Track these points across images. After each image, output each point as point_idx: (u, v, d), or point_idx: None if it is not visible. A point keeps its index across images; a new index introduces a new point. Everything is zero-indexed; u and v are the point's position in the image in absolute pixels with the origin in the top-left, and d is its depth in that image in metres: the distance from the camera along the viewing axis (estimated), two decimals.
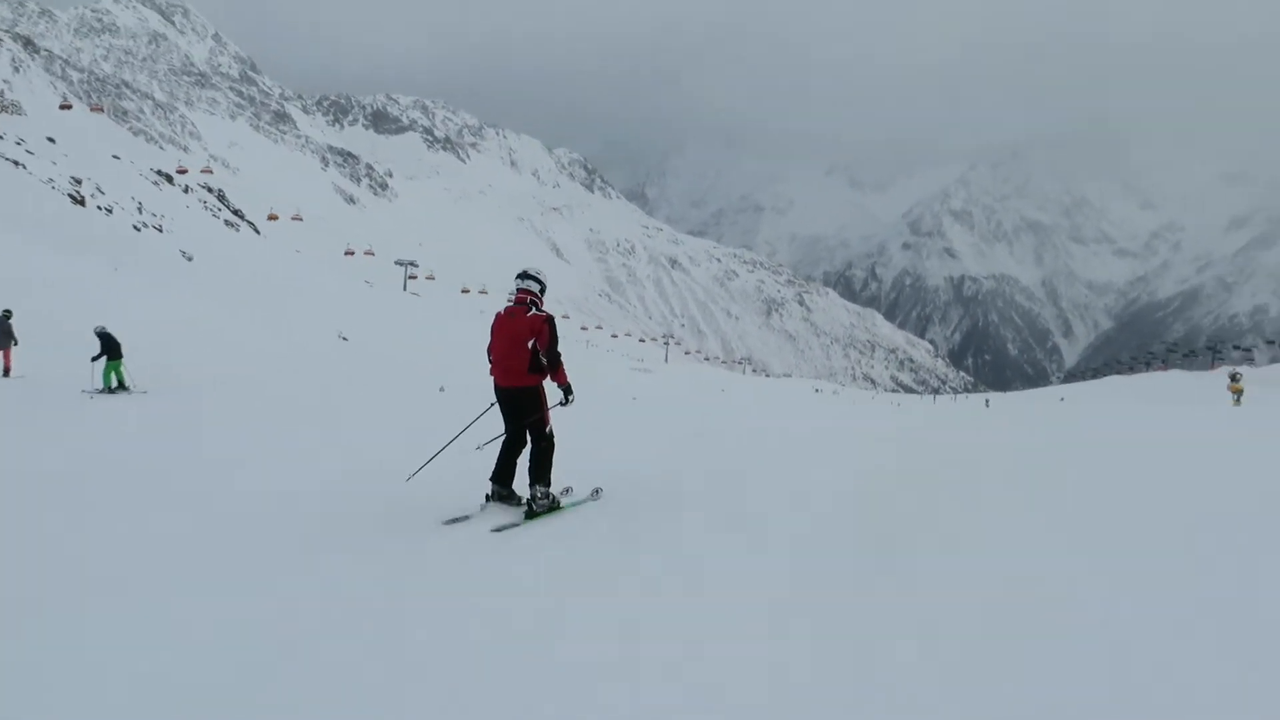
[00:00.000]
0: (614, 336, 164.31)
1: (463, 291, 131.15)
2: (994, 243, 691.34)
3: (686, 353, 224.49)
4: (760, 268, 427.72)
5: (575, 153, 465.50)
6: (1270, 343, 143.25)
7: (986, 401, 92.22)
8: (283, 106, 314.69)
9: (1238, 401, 32.92)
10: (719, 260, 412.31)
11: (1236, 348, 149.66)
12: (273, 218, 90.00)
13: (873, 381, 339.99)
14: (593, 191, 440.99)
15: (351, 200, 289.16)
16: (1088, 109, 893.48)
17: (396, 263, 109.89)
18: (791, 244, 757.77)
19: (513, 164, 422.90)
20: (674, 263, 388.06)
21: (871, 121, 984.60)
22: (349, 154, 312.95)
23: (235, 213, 79.27)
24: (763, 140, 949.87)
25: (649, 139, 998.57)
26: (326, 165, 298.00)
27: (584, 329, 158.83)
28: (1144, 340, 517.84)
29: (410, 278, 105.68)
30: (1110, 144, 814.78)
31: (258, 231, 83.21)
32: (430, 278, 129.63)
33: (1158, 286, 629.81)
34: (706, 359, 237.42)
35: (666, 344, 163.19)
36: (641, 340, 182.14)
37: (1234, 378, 34.93)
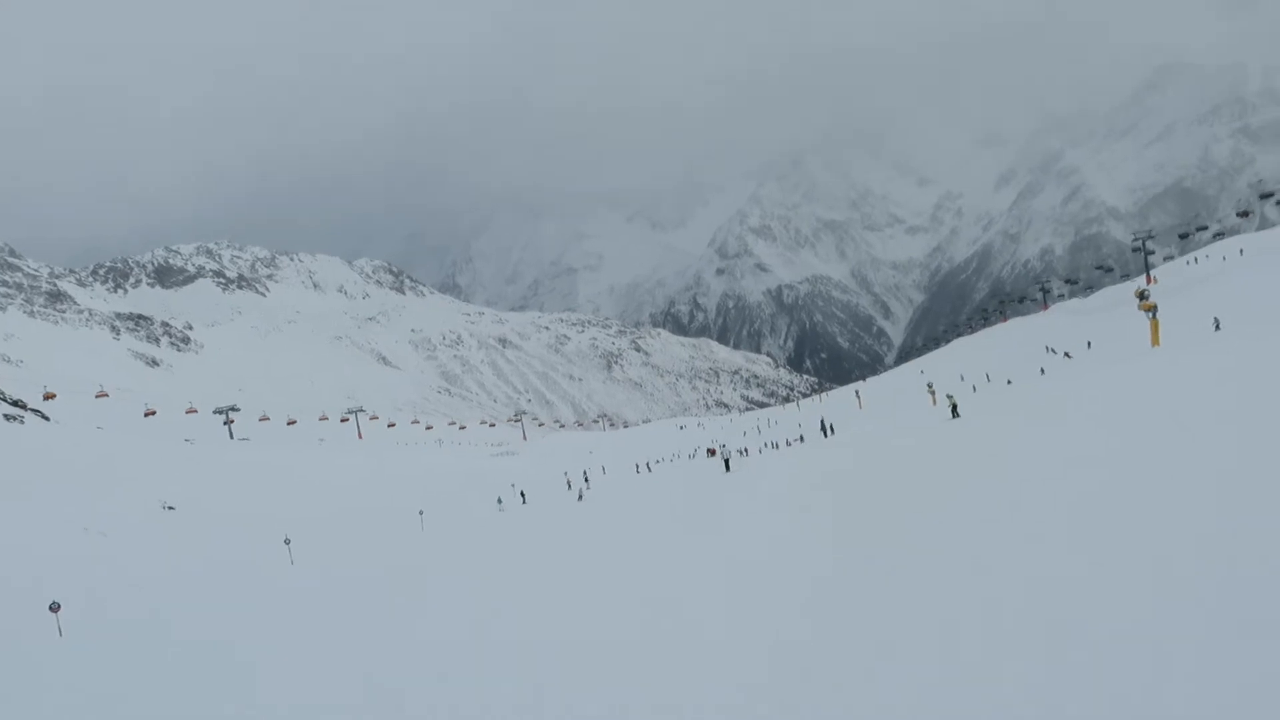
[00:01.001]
0: (460, 428, 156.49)
1: (289, 424, 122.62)
2: (798, 249, 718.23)
3: (540, 424, 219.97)
4: (590, 326, 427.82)
5: (377, 259, 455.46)
6: (1070, 281, 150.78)
7: (856, 393, 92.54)
8: (55, 285, 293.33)
9: (1152, 317, 29.55)
10: (547, 328, 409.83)
11: (1021, 300, 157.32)
12: (49, 396, 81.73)
13: (725, 406, 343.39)
14: (404, 293, 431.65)
15: (154, 362, 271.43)
16: (849, 107, 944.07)
17: (215, 411, 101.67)
18: (612, 296, 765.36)
19: (315, 285, 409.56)
20: (504, 342, 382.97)
21: (657, 163, 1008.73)
22: (140, 316, 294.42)
23: (15, 404, 70.64)
24: (559, 203, 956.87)
25: (448, 229, 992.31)
26: (118, 333, 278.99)
27: (428, 428, 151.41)
28: (956, 303, 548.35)
29: (228, 422, 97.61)
30: (876, 134, 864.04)
31: (46, 418, 74.53)
32: (264, 419, 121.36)
33: (954, 252, 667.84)
34: (562, 425, 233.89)
35: (519, 421, 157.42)
36: (491, 424, 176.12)
37: (1143, 295, 31.89)
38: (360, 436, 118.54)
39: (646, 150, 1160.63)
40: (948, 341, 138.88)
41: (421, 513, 39.81)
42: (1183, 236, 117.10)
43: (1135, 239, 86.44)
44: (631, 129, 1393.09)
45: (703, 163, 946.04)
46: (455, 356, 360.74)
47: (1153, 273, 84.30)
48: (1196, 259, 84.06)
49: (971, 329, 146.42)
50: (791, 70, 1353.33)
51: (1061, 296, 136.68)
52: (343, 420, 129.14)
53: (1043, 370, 48.84)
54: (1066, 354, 54.82)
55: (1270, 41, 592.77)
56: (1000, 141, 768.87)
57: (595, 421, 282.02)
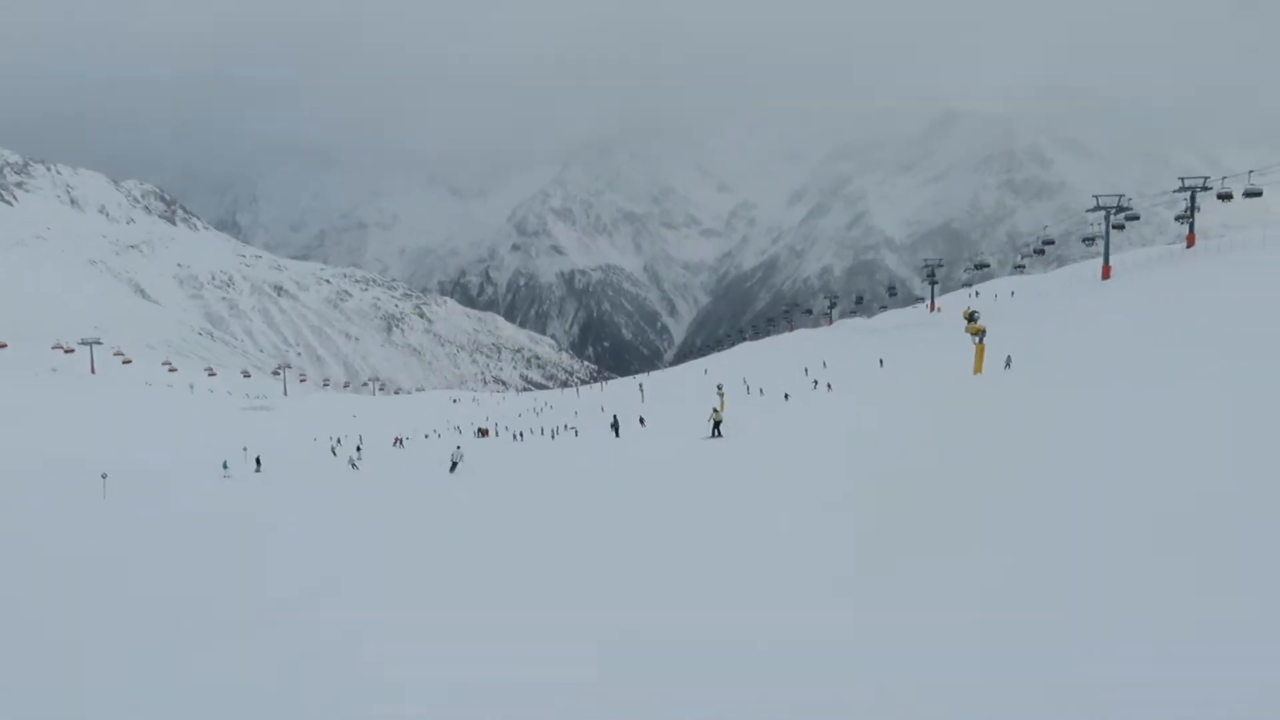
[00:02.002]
0: (210, 374, 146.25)
1: (68, 351, 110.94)
2: (596, 236, 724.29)
3: (302, 379, 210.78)
4: (374, 285, 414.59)
5: (149, 184, 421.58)
6: (832, 302, 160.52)
7: (640, 385, 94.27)
8: None
9: (979, 342, 28.03)
10: (329, 282, 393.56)
11: (807, 311, 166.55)
12: None
13: (503, 383, 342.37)
14: (175, 224, 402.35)
15: None
16: (662, 103, 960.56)
17: None
18: (402, 257, 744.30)
19: (74, 202, 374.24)
20: (280, 290, 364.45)
21: (463, 130, 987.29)
22: None
23: None
24: (357, 156, 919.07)
25: (233, 164, 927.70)
26: None
27: (171, 369, 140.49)
28: (737, 309, 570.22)
29: None
30: (684, 134, 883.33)
31: None
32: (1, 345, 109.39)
33: (742, 260, 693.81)
34: (327, 384, 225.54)
35: (282, 374, 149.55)
36: (247, 374, 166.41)
37: (972, 317, 29.40)
38: (93, 371, 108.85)
39: (454, 115, 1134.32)
40: (732, 345, 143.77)
41: (105, 476, 33.51)
42: (968, 274, 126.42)
43: (926, 264, 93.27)
44: (440, 91, 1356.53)
45: (510, 136, 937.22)
46: (224, 299, 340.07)
47: (937, 300, 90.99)
48: (978, 293, 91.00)
49: (756, 334, 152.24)
50: (606, 57, 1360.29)
51: (852, 312, 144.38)
52: (67, 351, 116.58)
53: (824, 384, 51.75)
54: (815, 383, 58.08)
55: (1037, 104, 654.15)
56: (797, 158, 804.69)
57: (365, 385, 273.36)
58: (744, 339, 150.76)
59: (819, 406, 30.77)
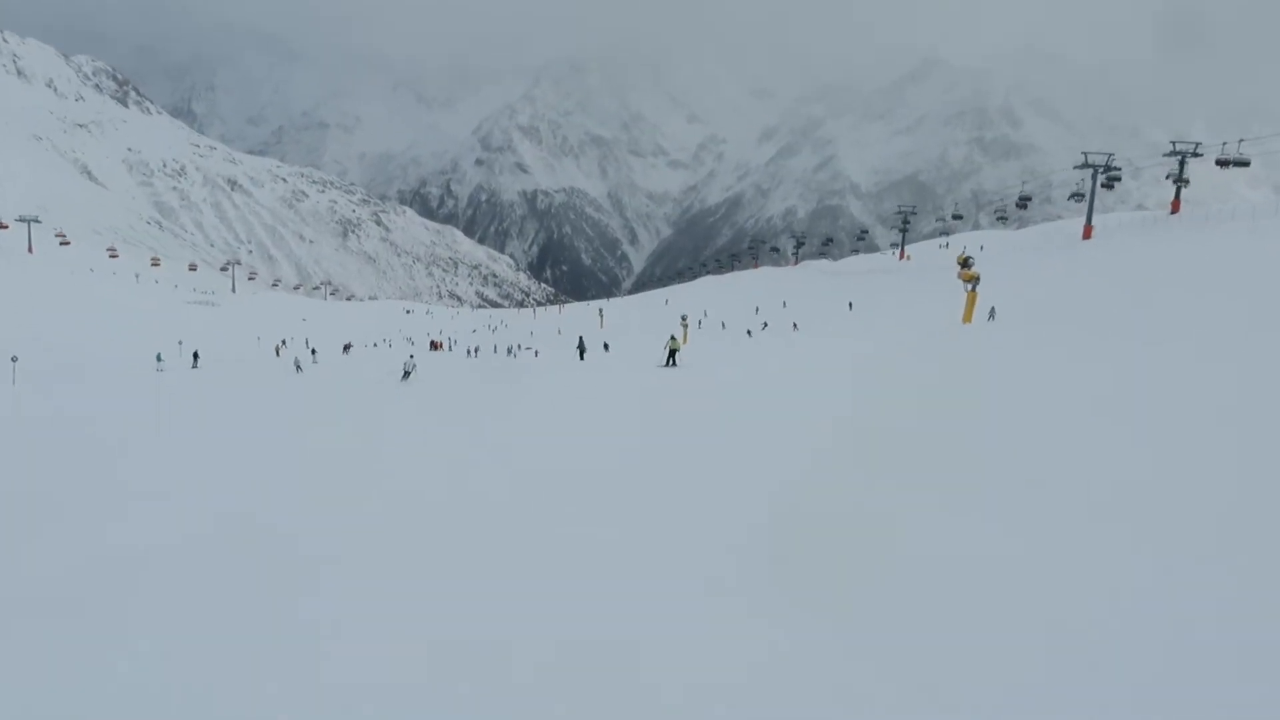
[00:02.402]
0: (154, 264, 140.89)
1: None
2: (562, 157, 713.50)
3: (251, 277, 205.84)
4: (331, 187, 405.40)
5: (100, 60, 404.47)
6: (800, 242, 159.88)
7: (600, 311, 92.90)
8: None
9: (971, 289, 27.22)
10: (285, 180, 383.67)
11: (774, 249, 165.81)
12: None
13: (458, 299, 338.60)
14: (127, 106, 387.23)
15: None
16: (636, 28, 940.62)
17: None
18: (362, 162, 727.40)
19: (20, 73, 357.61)
20: (234, 184, 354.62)
21: (433, 36, 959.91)
22: None
23: None
24: (323, 53, 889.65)
25: (191, 48, 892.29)
26: None
27: (112, 255, 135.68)
28: (699, 243, 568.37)
29: None
30: (659, 62, 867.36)
31: None
32: None
33: (707, 194, 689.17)
34: (278, 284, 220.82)
35: (230, 270, 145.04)
36: (194, 268, 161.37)
37: (966, 263, 28.14)
38: (30, 251, 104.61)
39: (422, 18, 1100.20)
40: (695, 277, 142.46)
41: (15, 359, 31.50)
42: (941, 224, 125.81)
43: (899, 211, 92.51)
44: None
45: (480, 46, 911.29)
46: (174, 189, 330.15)
47: (907, 249, 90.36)
48: (948, 245, 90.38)
49: (720, 268, 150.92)
50: None
51: (820, 254, 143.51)
52: (0, 226, 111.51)
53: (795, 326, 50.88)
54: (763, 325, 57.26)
55: (1013, 64, 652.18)
56: (770, 96, 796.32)
57: (316, 288, 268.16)
58: (706, 272, 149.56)
59: (792, 346, 29.71)
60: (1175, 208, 60.82)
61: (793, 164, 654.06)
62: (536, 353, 51.47)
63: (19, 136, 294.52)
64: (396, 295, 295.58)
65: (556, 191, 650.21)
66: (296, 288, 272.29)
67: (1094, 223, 62.68)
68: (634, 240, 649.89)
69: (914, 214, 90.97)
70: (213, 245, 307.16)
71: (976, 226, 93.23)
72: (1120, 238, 53.25)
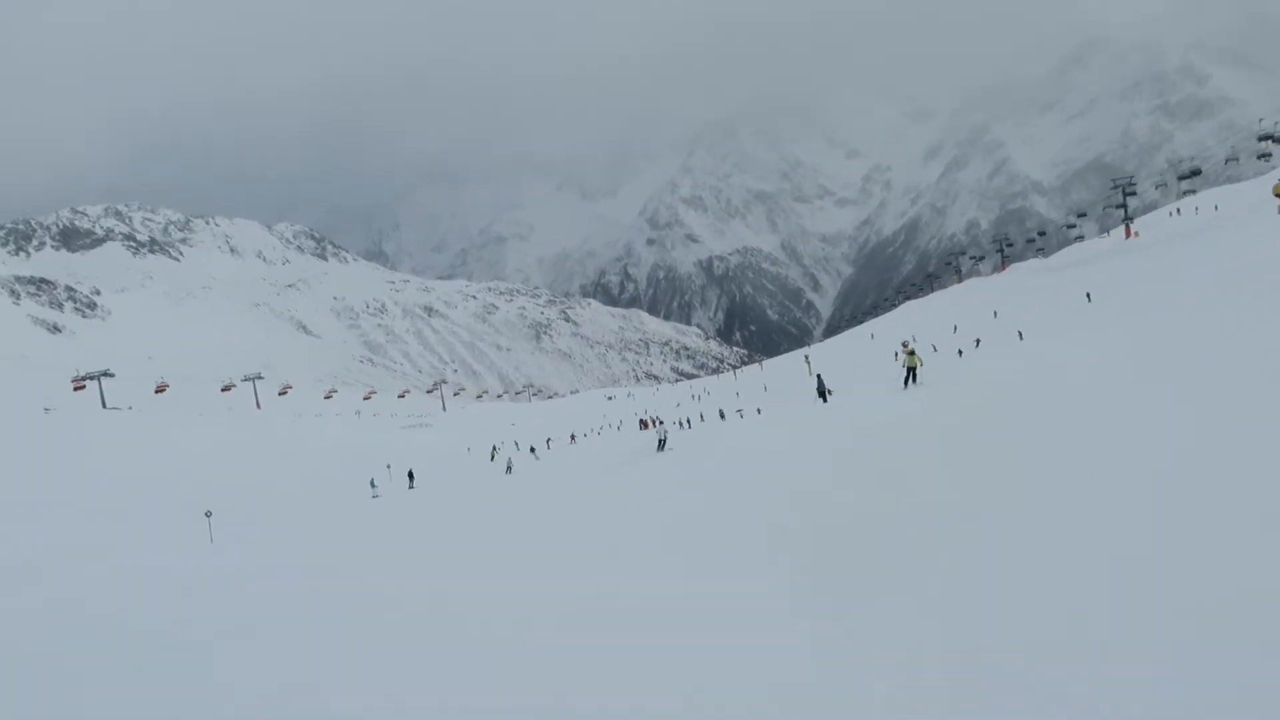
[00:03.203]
0: (366, 398, 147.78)
1: (158, 390, 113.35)
2: (729, 219, 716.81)
3: (457, 394, 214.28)
4: (518, 295, 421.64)
5: (299, 225, 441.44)
6: (979, 258, 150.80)
7: (806, 358, 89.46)
8: None
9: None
10: (475, 298, 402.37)
11: (973, 257, 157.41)
12: None
13: (655, 377, 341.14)
14: (327, 260, 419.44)
15: (57, 329, 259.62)
16: (779, 78, 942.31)
17: (79, 378, 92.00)
18: (541, 266, 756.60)
19: (233, 250, 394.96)
20: (430, 311, 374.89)
21: (587, 130, 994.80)
22: (42, 280, 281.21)
23: None
24: (488, 171, 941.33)
25: (374, 195, 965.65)
26: (18, 298, 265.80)
27: (327, 396, 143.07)
28: (884, 276, 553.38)
29: (78, 387, 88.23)
30: (806, 105, 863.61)
31: None
32: (161, 389, 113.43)
33: (882, 225, 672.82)
34: (483, 395, 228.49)
35: (439, 390, 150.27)
36: (402, 396, 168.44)
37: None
38: (259, 407, 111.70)
39: (575, 117, 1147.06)
40: (892, 307, 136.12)
41: (209, 514, 30.18)
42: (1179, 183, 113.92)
43: (1115, 184, 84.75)
44: (559, 95, 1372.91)
45: (632, 131, 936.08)
46: (379, 325, 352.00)
47: (1133, 225, 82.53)
48: (1180, 210, 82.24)
49: (919, 291, 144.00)
50: (720, 39, 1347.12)
51: (1009, 259, 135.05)
52: (224, 389, 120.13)
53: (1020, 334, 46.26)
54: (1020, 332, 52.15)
55: (1186, 19, 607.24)
56: (927, 115, 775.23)
57: (519, 392, 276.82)
58: (904, 299, 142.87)
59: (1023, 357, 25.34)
60: None
61: (964, 176, 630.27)
62: (758, 410, 48.45)
63: (240, 305, 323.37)
64: (595, 385, 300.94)
65: (730, 254, 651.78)
66: (500, 396, 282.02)
67: None
68: (816, 287, 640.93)
69: (1132, 184, 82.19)
70: (420, 371, 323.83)
71: (1181, 195, 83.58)
72: None
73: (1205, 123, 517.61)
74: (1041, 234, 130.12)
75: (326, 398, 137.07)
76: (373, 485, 44.16)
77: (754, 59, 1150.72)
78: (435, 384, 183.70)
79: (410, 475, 47.08)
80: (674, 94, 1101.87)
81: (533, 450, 59.66)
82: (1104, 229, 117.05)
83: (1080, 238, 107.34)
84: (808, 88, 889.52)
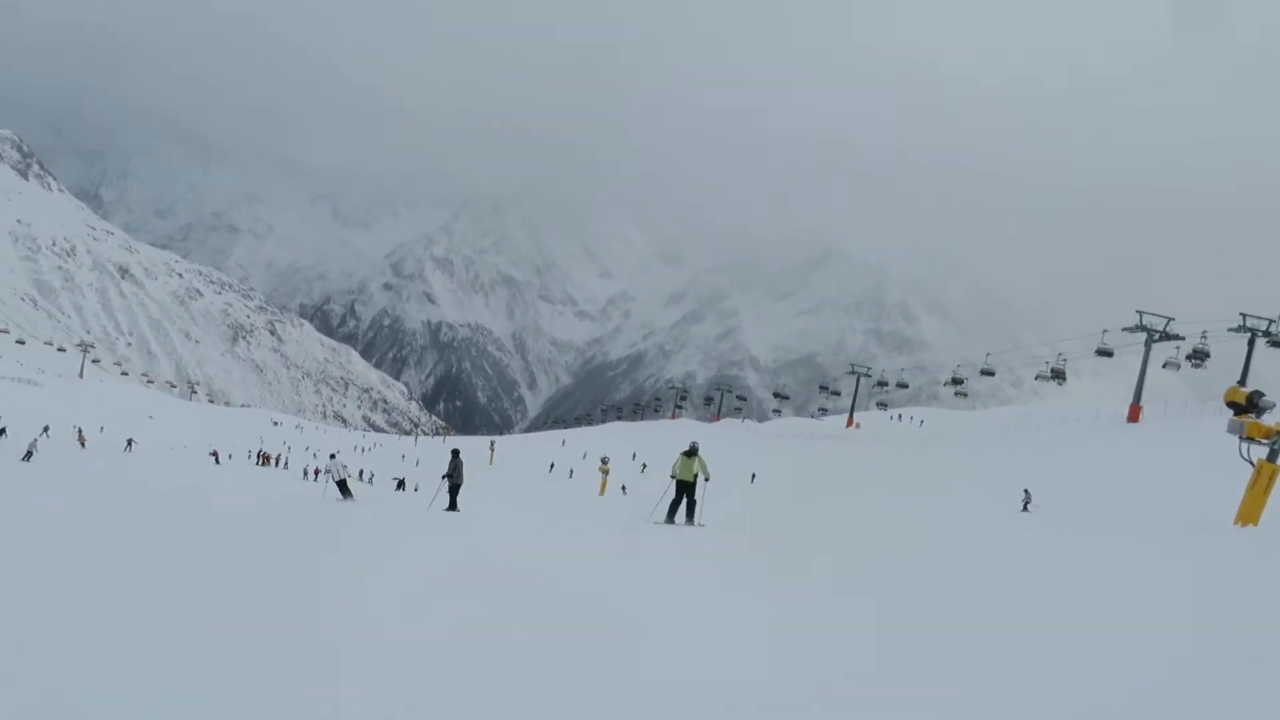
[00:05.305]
0: (19, 342, 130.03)
1: None
2: (472, 293, 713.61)
3: (116, 366, 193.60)
4: (230, 290, 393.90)
5: (7, 129, 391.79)
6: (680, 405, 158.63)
7: (491, 444, 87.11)
8: None
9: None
10: (180, 276, 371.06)
11: (680, 399, 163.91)
12: None
13: (344, 420, 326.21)
14: (27, 179, 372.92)
15: None
16: (560, 177, 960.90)
17: None
18: (267, 270, 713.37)
19: None
20: (125, 272, 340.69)
21: (357, 155, 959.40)
22: None
23: None
24: (244, 156, 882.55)
25: (109, 133, 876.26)
26: None
27: None
28: (597, 395, 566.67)
29: None
30: (577, 215, 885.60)
31: None
32: None
33: (611, 348, 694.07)
34: (151, 381, 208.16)
35: (83, 354, 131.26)
36: (62, 349, 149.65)
37: (1252, 405, 23.31)
38: None
39: (351, 138, 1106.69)
40: (600, 421, 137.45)
41: None
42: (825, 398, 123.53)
43: (853, 370, 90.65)
44: (343, 110, 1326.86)
45: (405, 172, 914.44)
46: (60, 268, 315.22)
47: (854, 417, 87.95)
48: (900, 416, 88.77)
49: (633, 416, 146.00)
50: (517, 117, 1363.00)
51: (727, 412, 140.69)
52: None
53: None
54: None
55: (915, 257, 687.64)
56: (679, 262, 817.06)
57: (171, 386, 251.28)
58: (617, 417, 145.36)
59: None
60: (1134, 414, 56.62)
61: (696, 330, 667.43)
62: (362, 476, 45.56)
63: None
64: (278, 408, 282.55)
65: (461, 326, 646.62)
66: (171, 384, 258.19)
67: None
68: (533, 384, 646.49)
69: (868, 374, 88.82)
70: (89, 332, 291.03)
71: (862, 407, 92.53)
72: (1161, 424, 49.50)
73: (905, 356, 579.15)
74: (743, 399, 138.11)
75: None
76: None
77: (541, 149, 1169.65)
78: (82, 344, 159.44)
79: None
80: (454, 153, 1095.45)
81: (129, 443, 53.25)
82: (802, 414, 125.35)
83: (778, 411, 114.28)
84: (583, 197, 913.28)
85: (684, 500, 16.60)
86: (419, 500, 26.56)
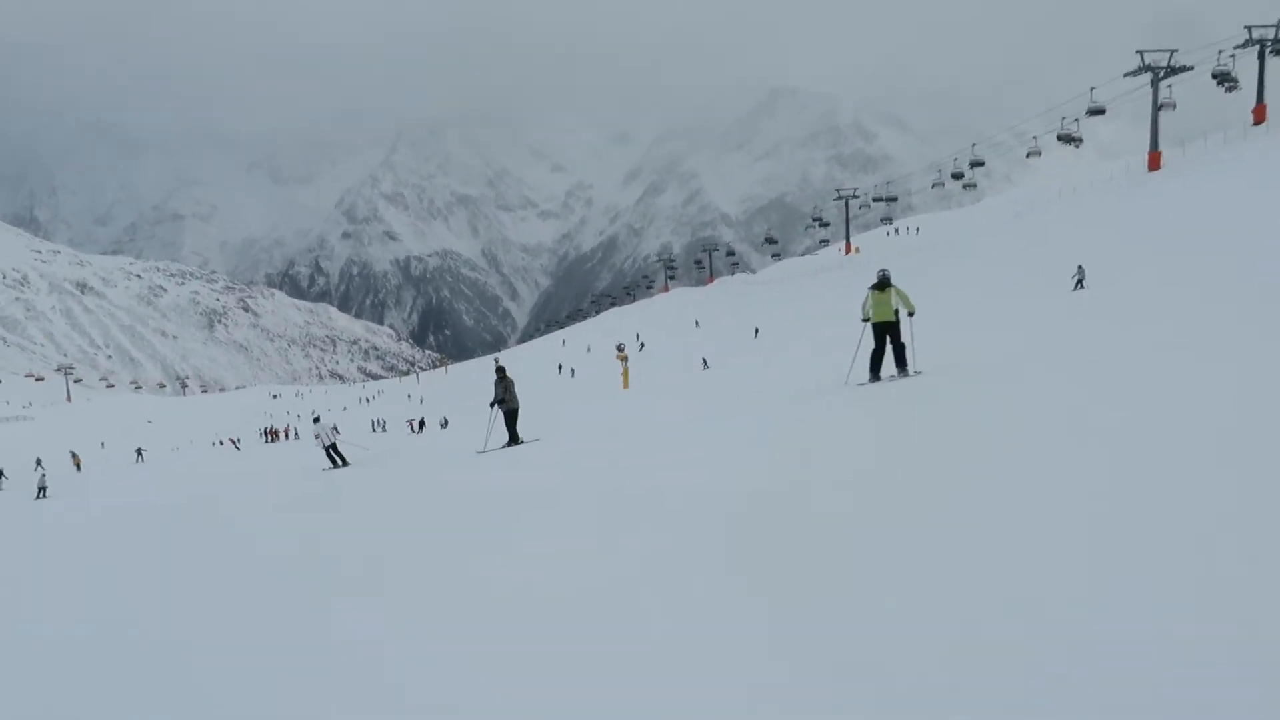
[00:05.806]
0: None
1: None
2: (430, 220, 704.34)
3: (102, 381, 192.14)
4: (192, 278, 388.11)
5: None
6: (671, 275, 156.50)
7: (495, 359, 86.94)
8: None
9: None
10: (139, 277, 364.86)
11: (670, 276, 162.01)
12: None
13: (341, 377, 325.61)
14: None
15: None
16: (488, 86, 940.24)
17: None
18: (224, 250, 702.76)
19: None
20: (84, 287, 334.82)
21: (282, 113, 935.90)
22: None
23: None
24: (168, 140, 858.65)
25: (26, 152, 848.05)
26: None
27: None
28: (579, 290, 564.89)
29: None
30: (514, 118, 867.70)
31: None
32: None
33: (581, 241, 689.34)
34: (140, 387, 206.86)
35: (67, 375, 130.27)
36: (40, 379, 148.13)
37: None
38: None
39: (272, 96, 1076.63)
40: (596, 313, 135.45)
41: None
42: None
43: (839, 195, 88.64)
44: (259, 71, 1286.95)
45: (334, 119, 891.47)
46: (17, 299, 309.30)
47: (853, 242, 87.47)
48: (897, 230, 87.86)
49: (631, 298, 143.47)
50: (431, 40, 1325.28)
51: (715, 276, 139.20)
52: None
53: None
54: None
55: (862, 77, 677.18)
56: (628, 140, 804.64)
57: (162, 385, 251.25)
58: (610, 304, 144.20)
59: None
60: (1259, 117, 52.68)
61: (661, 202, 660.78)
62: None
63: None
64: (275, 382, 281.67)
65: (430, 256, 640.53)
66: (162, 387, 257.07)
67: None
68: (515, 296, 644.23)
69: (855, 195, 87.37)
70: (65, 355, 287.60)
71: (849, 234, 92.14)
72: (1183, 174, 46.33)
73: (871, 175, 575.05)
74: (731, 254, 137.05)
75: None
76: None
77: (463, 67, 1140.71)
78: (62, 368, 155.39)
79: None
80: (379, 88, 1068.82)
81: (139, 453, 52.85)
82: (786, 255, 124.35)
83: (778, 256, 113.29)
84: (515, 100, 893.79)
85: (887, 346, 13.41)
86: (463, 441, 20.89)
